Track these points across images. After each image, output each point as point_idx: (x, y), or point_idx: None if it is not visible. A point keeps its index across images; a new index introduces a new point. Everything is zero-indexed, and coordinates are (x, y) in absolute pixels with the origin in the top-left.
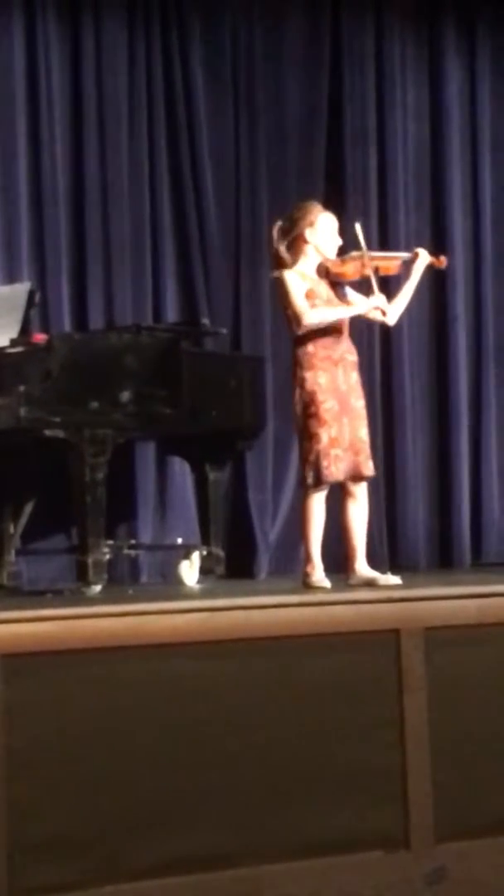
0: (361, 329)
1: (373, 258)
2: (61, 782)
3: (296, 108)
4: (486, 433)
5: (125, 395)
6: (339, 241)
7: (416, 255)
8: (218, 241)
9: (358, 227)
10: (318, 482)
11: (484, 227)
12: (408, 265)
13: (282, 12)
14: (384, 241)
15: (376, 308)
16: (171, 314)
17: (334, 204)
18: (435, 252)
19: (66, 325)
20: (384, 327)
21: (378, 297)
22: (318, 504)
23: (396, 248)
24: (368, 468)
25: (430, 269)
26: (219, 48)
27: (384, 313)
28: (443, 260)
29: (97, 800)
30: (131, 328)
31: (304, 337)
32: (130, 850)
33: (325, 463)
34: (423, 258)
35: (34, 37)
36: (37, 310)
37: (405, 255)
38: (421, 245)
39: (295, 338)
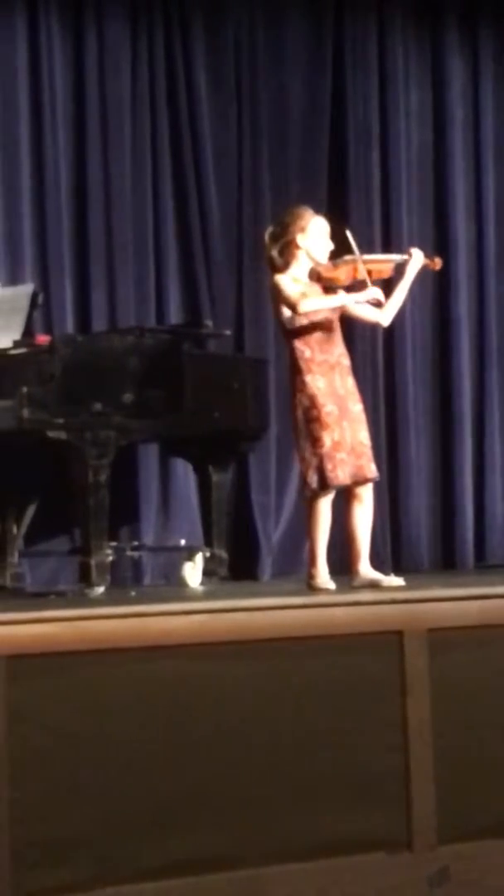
0: (364, 332)
1: (365, 262)
2: (64, 784)
3: (298, 110)
4: (490, 435)
5: (128, 397)
6: (331, 246)
7: (409, 257)
8: (221, 243)
9: (349, 235)
10: (324, 486)
11: (487, 228)
12: (401, 267)
13: (284, 14)
14: (387, 242)
15: (373, 299)
16: (174, 316)
17: (337, 206)
18: (430, 254)
19: (69, 326)
20: (384, 329)
21: (374, 289)
22: (324, 507)
23: (399, 250)
24: (371, 471)
25: (425, 270)
26: (221, 50)
27: (381, 303)
28: (437, 262)
29: (100, 801)
30: (134, 330)
31: (301, 341)
32: (132, 851)
33: (329, 466)
34: (417, 259)
35: (37, 37)
36: (39, 311)
37: (398, 257)
38: (424, 247)
39: (291, 343)
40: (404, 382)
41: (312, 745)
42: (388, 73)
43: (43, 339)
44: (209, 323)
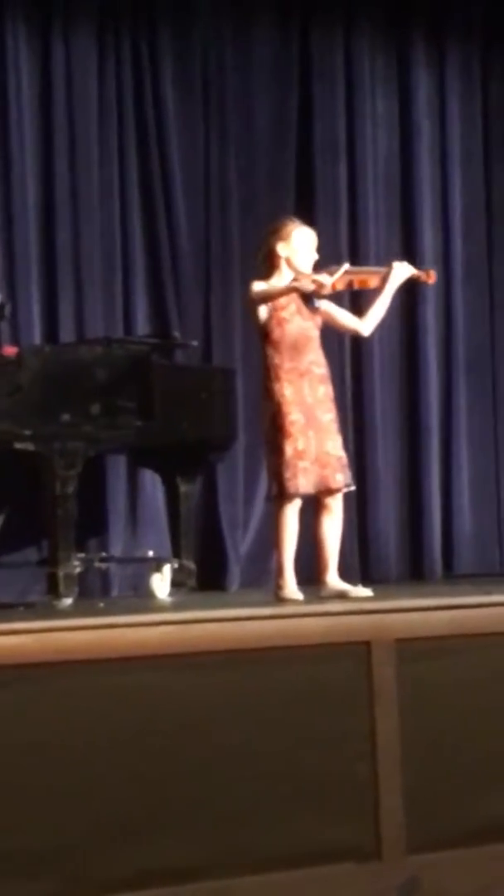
0: (332, 341)
1: (349, 272)
2: (30, 795)
3: (266, 121)
4: (457, 445)
5: (96, 408)
6: (316, 257)
7: (390, 269)
8: (188, 254)
9: (346, 266)
10: (283, 494)
11: (454, 238)
12: (385, 278)
13: (251, 24)
14: (354, 252)
15: (313, 280)
16: (142, 327)
17: (304, 216)
18: (424, 268)
19: (37, 337)
20: (351, 339)
21: (323, 275)
22: (290, 516)
23: (366, 260)
24: (336, 481)
25: (418, 283)
26: (188, 61)
27: (320, 286)
28: (431, 274)
29: (67, 813)
30: (102, 341)
31: (272, 347)
32: (100, 863)
33: (287, 475)
34: (401, 272)
35: (4, 47)
36: (7, 322)
37: (385, 269)
38: (391, 256)
39: (263, 349)
40: (372, 393)
41: (280, 756)
42: (354, 84)
43: (10, 350)
44: (177, 334)
